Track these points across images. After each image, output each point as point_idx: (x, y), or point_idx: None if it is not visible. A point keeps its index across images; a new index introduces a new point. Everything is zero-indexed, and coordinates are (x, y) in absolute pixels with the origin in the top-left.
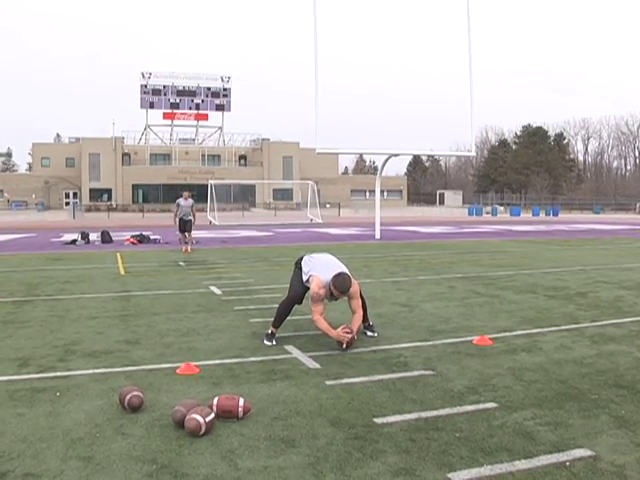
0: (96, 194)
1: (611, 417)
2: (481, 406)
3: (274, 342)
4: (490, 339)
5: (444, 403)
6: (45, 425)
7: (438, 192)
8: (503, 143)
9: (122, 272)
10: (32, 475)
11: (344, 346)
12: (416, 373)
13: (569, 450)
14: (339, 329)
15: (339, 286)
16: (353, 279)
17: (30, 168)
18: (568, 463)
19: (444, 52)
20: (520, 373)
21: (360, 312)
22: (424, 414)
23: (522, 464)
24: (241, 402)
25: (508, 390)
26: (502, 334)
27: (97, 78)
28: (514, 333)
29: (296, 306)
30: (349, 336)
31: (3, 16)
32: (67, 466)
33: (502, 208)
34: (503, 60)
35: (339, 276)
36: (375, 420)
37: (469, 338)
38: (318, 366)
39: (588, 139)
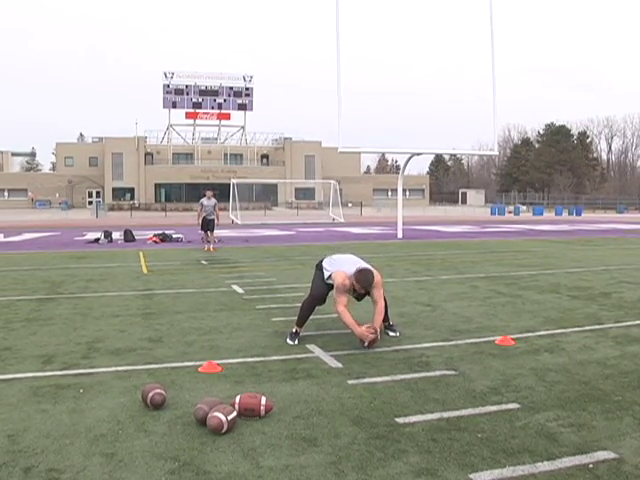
0: (119, 193)
1: (635, 419)
2: (503, 407)
3: (297, 342)
4: (512, 339)
5: (466, 403)
6: (68, 421)
7: (460, 191)
8: (526, 142)
9: (145, 271)
10: (56, 470)
11: (366, 344)
12: (438, 373)
13: (592, 452)
14: (363, 327)
15: (361, 280)
16: (375, 270)
17: (54, 167)
18: (591, 465)
19: (466, 51)
20: (543, 374)
21: (381, 303)
22: (446, 414)
23: (544, 466)
24: (263, 400)
25: (531, 391)
26: (525, 334)
27: (120, 78)
28: (537, 333)
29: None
30: (372, 336)
31: (23, 16)
32: (90, 462)
33: (525, 207)
34: (526, 58)
35: (362, 271)
36: (397, 420)
37: (491, 338)
38: (340, 365)
39: (612, 138)
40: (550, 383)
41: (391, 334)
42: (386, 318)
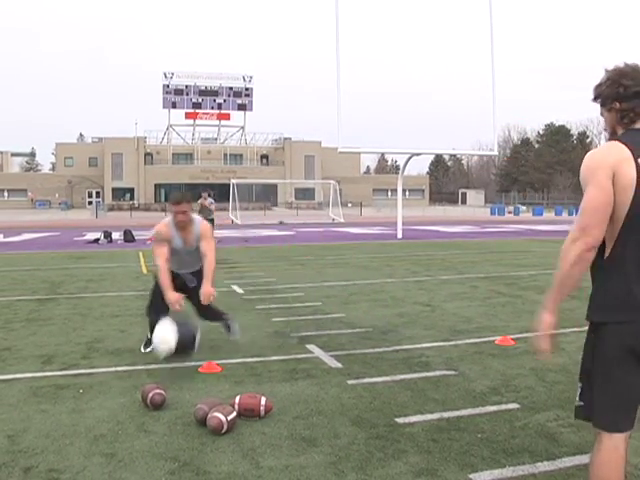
0: (119, 193)
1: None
2: (503, 407)
3: (149, 349)
4: (512, 339)
5: (466, 403)
6: (68, 422)
7: (460, 191)
8: (525, 142)
9: (144, 271)
10: (55, 470)
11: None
12: (438, 373)
13: None
14: (176, 295)
15: (173, 198)
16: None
17: (53, 168)
18: None
19: (466, 51)
20: (543, 374)
21: (211, 256)
22: (446, 414)
23: (544, 466)
24: (263, 401)
25: (530, 391)
26: (524, 334)
27: (120, 78)
28: (537, 333)
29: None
30: (178, 307)
31: (24, 17)
32: (90, 462)
33: (524, 207)
34: (526, 58)
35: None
36: (397, 420)
37: (491, 338)
38: (340, 365)
39: None
40: (550, 383)
41: (229, 334)
42: (219, 316)
